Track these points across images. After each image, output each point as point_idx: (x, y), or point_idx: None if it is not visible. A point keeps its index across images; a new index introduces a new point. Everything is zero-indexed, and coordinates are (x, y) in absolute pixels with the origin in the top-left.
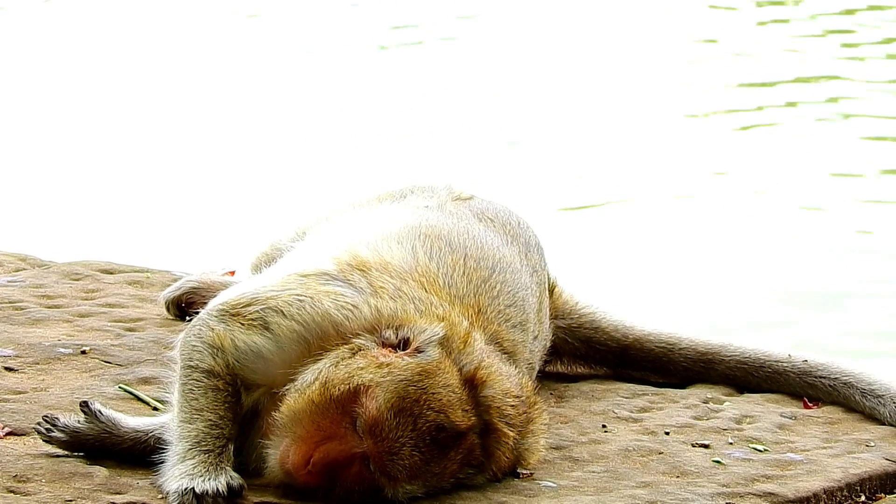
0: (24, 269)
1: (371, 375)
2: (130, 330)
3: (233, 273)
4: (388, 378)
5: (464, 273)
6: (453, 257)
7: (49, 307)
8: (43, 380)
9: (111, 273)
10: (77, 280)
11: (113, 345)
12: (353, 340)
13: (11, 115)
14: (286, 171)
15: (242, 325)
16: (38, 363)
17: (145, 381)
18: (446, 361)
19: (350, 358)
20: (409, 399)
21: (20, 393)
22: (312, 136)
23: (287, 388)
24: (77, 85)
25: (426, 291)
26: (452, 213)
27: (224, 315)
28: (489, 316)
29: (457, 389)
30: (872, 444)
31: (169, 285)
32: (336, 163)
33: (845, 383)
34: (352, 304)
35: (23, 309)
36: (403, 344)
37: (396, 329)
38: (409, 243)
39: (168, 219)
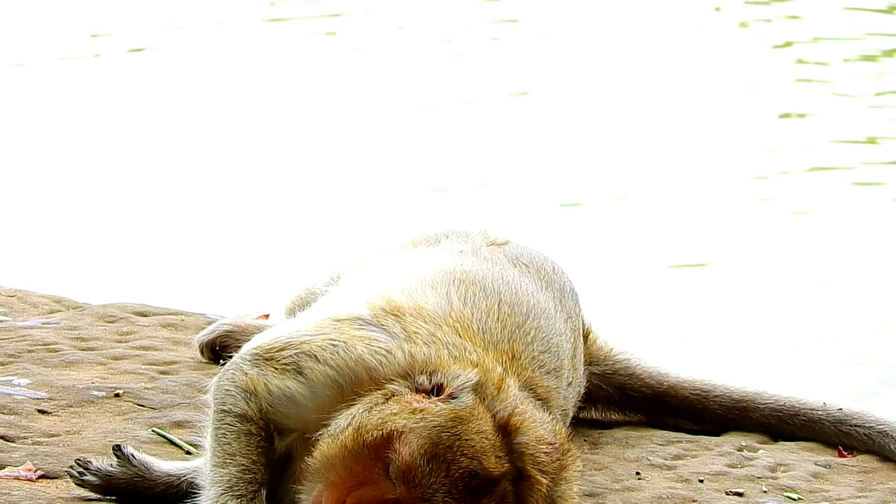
0: (59, 311)
1: (404, 421)
2: (164, 373)
3: (267, 316)
4: (421, 424)
5: (498, 319)
6: (487, 303)
7: (83, 349)
8: (76, 423)
9: (145, 315)
10: (111, 322)
11: (146, 388)
12: (387, 386)
13: (47, 159)
14: (322, 215)
15: (276, 369)
16: (71, 406)
17: (178, 424)
18: (480, 407)
19: (383, 403)
20: (442, 445)
21: (53, 436)
22: (350, 180)
23: (320, 433)
24: (112, 128)
25: (460, 337)
26: (487, 258)
27: (258, 359)
28: (523, 362)
29: (490, 436)
30: None
31: (203, 328)
32: (372, 206)
33: (880, 432)
34: (385, 350)
35: (57, 351)
36: (437, 390)
37: (430, 375)
38: (444, 288)
39: (203, 261)
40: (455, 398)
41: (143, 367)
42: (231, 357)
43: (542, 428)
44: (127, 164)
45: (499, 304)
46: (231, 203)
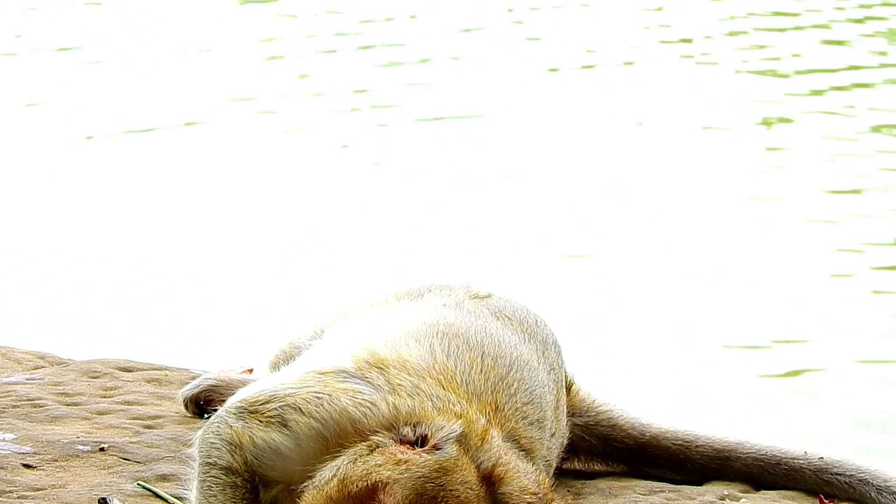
0: (43, 366)
1: (389, 472)
2: (149, 427)
3: (251, 371)
4: (405, 475)
5: (481, 371)
6: (471, 355)
7: (67, 405)
8: (61, 477)
9: (129, 371)
10: (95, 378)
11: (131, 442)
12: (371, 437)
13: (31, 216)
14: (305, 269)
15: (261, 422)
16: (56, 460)
17: (164, 478)
18: (464, 458)
19: (368, 455)
20: (426, 496)
21: (39, 490)
22: (330, 234)
23: (305, 484)
24: (95, 186)
25: (444, 389)
26: (470, 311)
27: (242, 412)
28: (506, 413)
29: (474, 486)
30: None
31: (187, 383)
32: (354, 261)
33: (861, 480)
34: (370, 402)
35: (41, 406)
36: (421, 441)
37: (414, 426)
38: (427, 341)
39: (186, 317)
40: (439, 449)
41: (127, 421)
42: (216, 411)
43: (525, 478)
44: (109, 222)
45: (482, 357)
46: (214, 259)
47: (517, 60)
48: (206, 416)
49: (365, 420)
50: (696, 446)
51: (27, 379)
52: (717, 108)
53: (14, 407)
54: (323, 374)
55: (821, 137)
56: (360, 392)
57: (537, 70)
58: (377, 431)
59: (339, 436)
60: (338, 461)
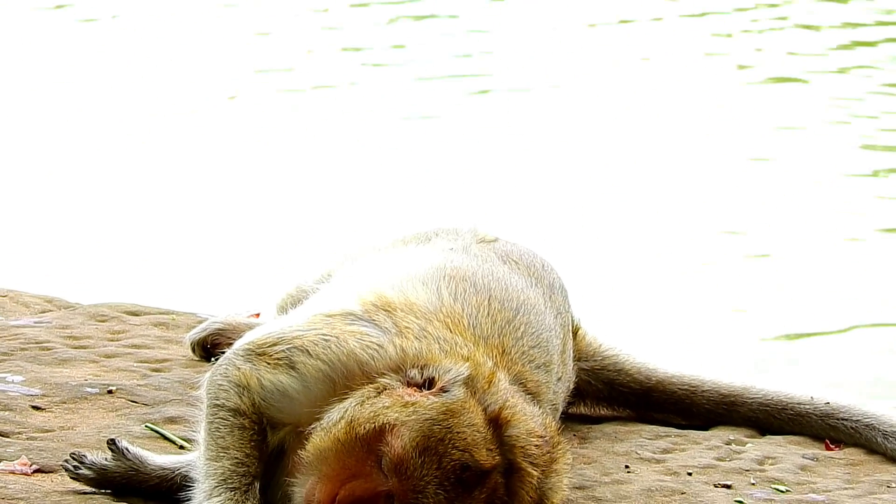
0: (51, 310)
1: (396, 414)
2: (156, 370)
3: (258, 315)
4: (413, 417)
5: (488, 314)
6: (478, 298)
7: (75, 348)
8: (70, 418)
9: (137, 315)
10: (103, 322)
11: (139, 385)
12: (379, 380)
13: (37, 159)
14: (312, 213)
15: (268, 364)
16: (65, 402)
17: (171, 420)
18: (471, 401)
19: (375, 397)
20: (434, 438)
21: (47, 431)
22: (338, 177)
23: (312, 426)
24: (102, 129)
25: (451, 332)
26: (477, 255)
27: (250, 354)
28: (513, 357)
29: (481, 429)
30: (894, 484)
31: (194, 327)
32: (362, 204)
33: (867, 425)
34: (377, 344)
35: (50, 349)
36: (428, 383)
37: (421, 368)
38: (435, 284)
39: (193, 261)
40: (446, 392)
41: (135, 364)
42: (222, 355)
43: (532, 421)
44: (118, 167)
45: (489, 300)
46: (221, 203)
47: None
48: (212, 359)
49: (372, 362)
50: (702, 391)
51: (35, 322)
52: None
53: (22, 350)
54: (331, 316)
55: (827, 99)
56: (368, 334)
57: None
58: (384, 374)
59: (346, 378)
60: (345, 403)
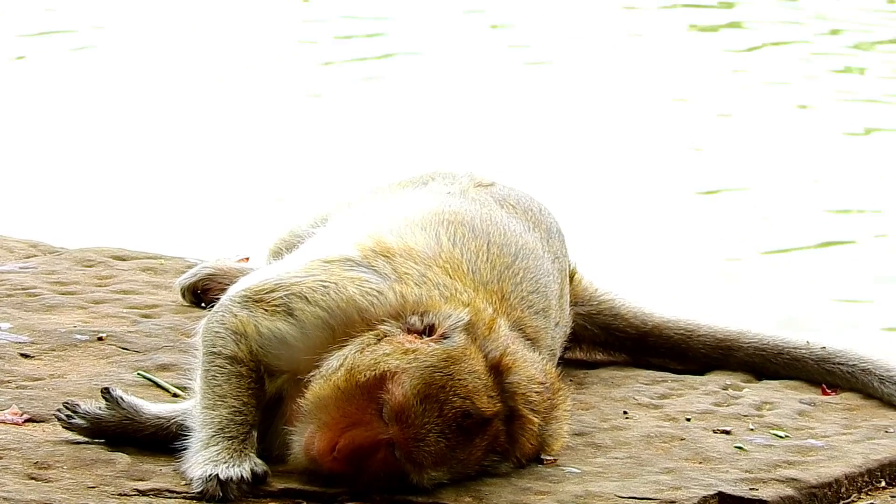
0: (36, 255)
1: (397, 361)
2: (146, 317)
3: (247, 259)
4: (414, 364)
5: (487, 259)
6: (477, 244)
7: (63, 294)
8: (60, 366)
9: (124, 260)
10: (90, 267)
11: (129, 331)
12: (379, 327)
13: (23, 104)
14: (301, 156)
15: (266, 311)
16: (54, 350)
17: (164, 367)
18: (472, 347)
19: (375, 344)
20: (435, 385)
21: (38, 380)
22: (327, 121)
23: (311, 374)
24: (87, 74)
25: (450, 277)
26: (475, 199)
27: (247, 301)
28: (512, 302)
29: (482, 376)
30: (892, 430)
31: (183, 272)
32: (352, 148)
33: (863, 370)
34: (377, 290)
35: (36, 295)
36: (429, 330)
37: (422, 315)
38: (433, 229)
39: (178, 205)
40: (447, 338)
41: (124, 310)
42: (213, 301)
43: (533, 368)
44: (102, 111)
45: (488, 245)
46: (206, 147)
47: None
48: (203, 305)
49: (372, 309)
50: (699, 336)
51: (21, 268)
52: None
53: (8, 296)
54: (329, 262)
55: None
56: (367, 281)
57: None
58: (384, 320)
59: (345, 325)
60: (345, 350)
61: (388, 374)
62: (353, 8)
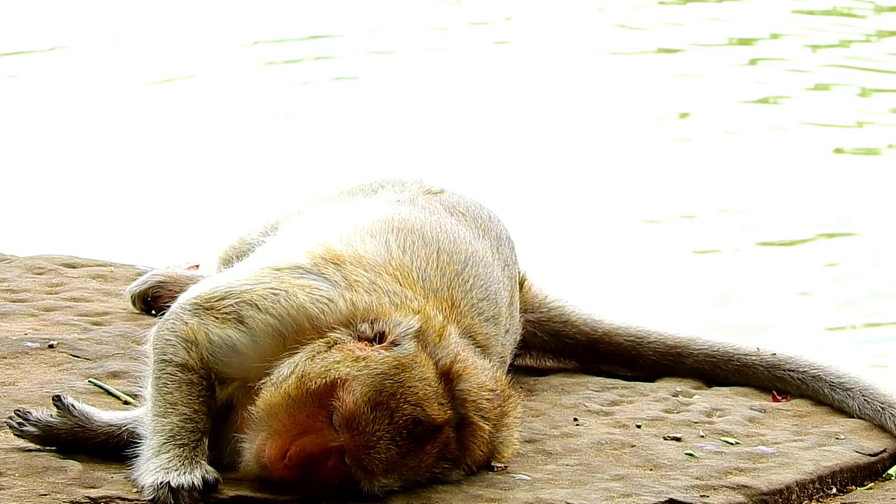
0: None
1: (347, 369)
2: (97, 324)
3: (196, 267)
4: (364, 372)
5: (437, 267)
6: (426, 251)
7: (13, 301)
8: (11, 374)
9: (74, 267)
10: (40, 274)
11: (80, 339)
12: (329, 334)
13: None
14: (248, 165)
15: (216, 318)
16: (5, 357)
17: (114, 375)
18: (422, 355)
19: (326, 352)
20: (385, 392)
21: None
22: (274, 128)
23: (262, 381)
24: (34, 82)
25: (400, 285)
26: (424, 207)
27: (197, 309)
28: (462, 310)
29: (433, 383)
30: (842, 436)
31: (133, 279)
32: (302, 154)
33: (814, 376)
34: (327, 298)
35: None
36: (379, 337)
37: (372, 322)
38: (383, 237)
39: (128, 212)
40: (397, 345)
41: (75, 318)
42: (163, 308)
43: (483, 375)
44: (50, 118)
45: (437, 252)
46: (155, 154)
47: None
48: (153, 312)
49: (322, 316)
50: (649, 342)
51: None
52: None
53: None
54: (279, 270)
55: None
56: (317, 288)
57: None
58: (335, 328)
59: (296, 332)
60: (295, 358)
61: (338, 381)
62: (298, 10)
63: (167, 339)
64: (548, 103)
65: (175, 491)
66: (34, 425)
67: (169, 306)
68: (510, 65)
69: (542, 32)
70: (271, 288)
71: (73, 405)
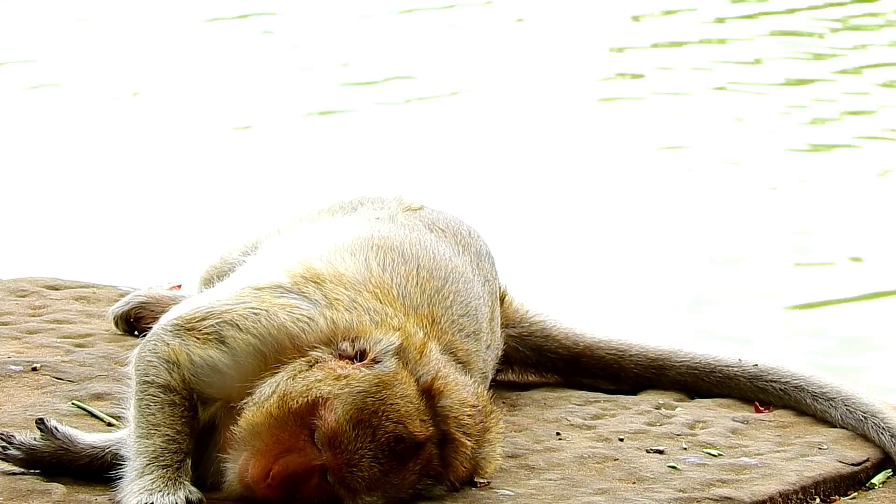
0: None
1: (329, 388)
2: (80, 346)
3: (178, 287)
4: (346, 390)
5: (417, 284)
6: (406, 268)
7: None
8: None
9: (57, 289)
10: (23, 297)
11: (63, 361)
12: (310, 353)
13: None
14: (229, 184)
15: (198, 339)
16: None
17: (98, 396)
18: (403, 372)
19: (307, 370)
20: (367, 410)
21: None
22: (256, 148)
23: (244, 401)
24: (10, 103)
25: (381, 302)
26: (404, 224)
27: (179, 329)
28: (443, 326)
29: (414, 400)
30: (825, 446)
31: (116, 300)
32: (281, 173)
33: (796, 387)
34: (307, 317)
35: None
36: (360, 355)
37: (353, 341)
38: (363, 255)
39: (109, 234)
40: (378, 363)
41: (58, 340)
42: (146, 329)
43: (464, 391)
44: (31, 140)
45: (417, 269)
46: (137, 175)
47: None
48: (136, 333)
49: (303, 335)
50: (630, 356)
51: None
52: None
53: None
54: (259, 289)
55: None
56: (298, 307)
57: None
58: (316, 346)
59: (277, 352)
60: (277, 377)
61: (320, 400)
62: (272, 25)
63: (149, 361)
64: (528, 118)
65: None
66: (18, 448)
67: (151, 327)
68: (492, 77)
69: (524, 45)
70: (252, 307)
71: (56, 428)
